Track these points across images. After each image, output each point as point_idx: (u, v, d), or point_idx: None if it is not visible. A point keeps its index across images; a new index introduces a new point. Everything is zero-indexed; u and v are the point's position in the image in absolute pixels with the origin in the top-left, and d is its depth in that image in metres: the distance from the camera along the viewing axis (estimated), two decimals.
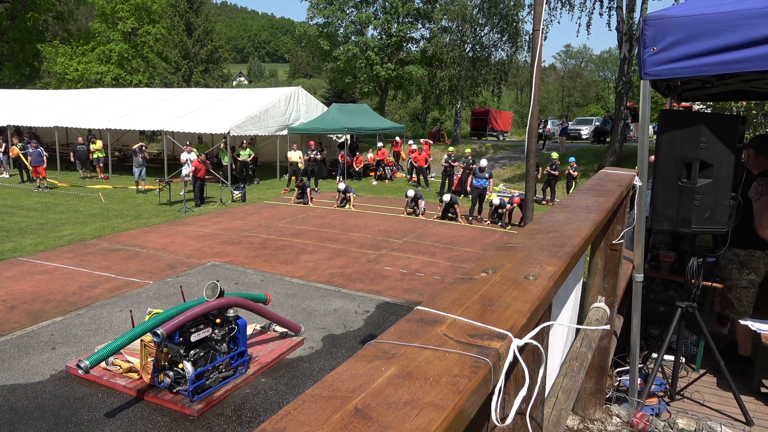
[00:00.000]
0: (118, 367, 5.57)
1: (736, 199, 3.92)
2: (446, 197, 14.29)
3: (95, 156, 20.04)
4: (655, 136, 4.31)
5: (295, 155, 18.81)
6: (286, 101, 21.06)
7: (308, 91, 24.90)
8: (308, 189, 16.18)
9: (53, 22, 41.50)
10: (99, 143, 20.14)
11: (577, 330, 2.37)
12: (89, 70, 37.32)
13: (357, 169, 21.89)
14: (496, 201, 13.80)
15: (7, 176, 20.52)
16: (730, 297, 4.33)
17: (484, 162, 15.10)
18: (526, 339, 0.86)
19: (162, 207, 15.17)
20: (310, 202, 15.97)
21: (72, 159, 20.52)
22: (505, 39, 29.18)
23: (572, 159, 17.61)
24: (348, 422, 0.59)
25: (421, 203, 14.74)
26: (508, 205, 13.75)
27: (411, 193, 14.69)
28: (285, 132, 20.91)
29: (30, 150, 17.37)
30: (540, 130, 27.75)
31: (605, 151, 22.40)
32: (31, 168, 17.53)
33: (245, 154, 19.28)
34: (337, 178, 21.22)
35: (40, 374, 5.60)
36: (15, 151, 19.32)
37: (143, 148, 17.82)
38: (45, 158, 17.42)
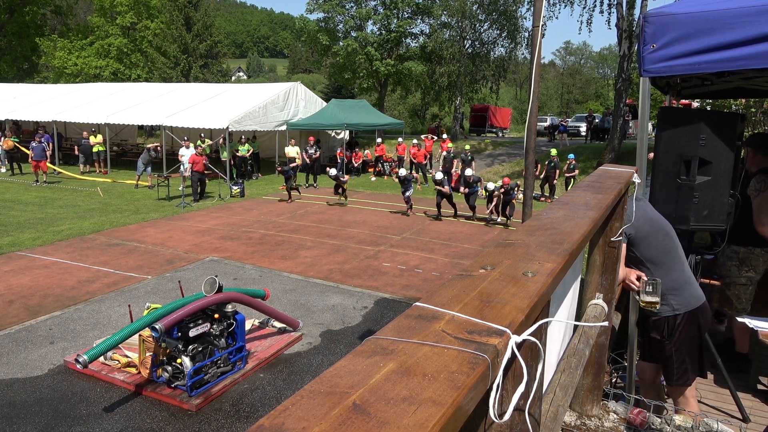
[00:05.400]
0: (117, 362, 5.57)
1: (735, 197, 3.93)
2: (438, 175, 13.81)
3: (95, 150, 19.98)
4: (654, 134, 4.31)
5: (292, 151, 18.78)
6: (285, 97, 21.02)
7: (307, 86, 24.85)
8: (291, 177, 15.41)
9: (52, 16, 41.28)
10: (99, 137, 20.09)
11: (575, 326, 2.37)
12: (88, 64, 37.16)
13: (356, 164, 21.88)
14: (491, 186, 13.26)
15: (4, 170, 20.46)
16: (729, 294, 4.34)
17: (469, 172, 14.27)
18: (525, 335, 0.86)
19: (160, 202, 15.15)
20: (291, 197, 15.68)
21: (75, 152, 20.46)
22: (504, 35, 29.14)
23: (571, 156, 17.61)
24: (346, 418, 0.59)
25: (408, 193, 13.91)
26: (496, 192, 13.23)
27: (402, 172, 14.17)
28: (284, 128, 20.88)
29: (34, 144, 17.29)
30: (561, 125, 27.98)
31: (604, 148, 22.40)
32: (32, 162, 17.45)
33: (244, 150, 19.25)
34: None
35: (38, 369, 5.61)
36: (9, 143, 19.20)
37: (158, 148, 17.77)
38: (48, 153, 17.36)
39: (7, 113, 22.42)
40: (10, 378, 5.40)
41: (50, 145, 19.19)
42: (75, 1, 41.57)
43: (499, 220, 13.44)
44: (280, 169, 15.68)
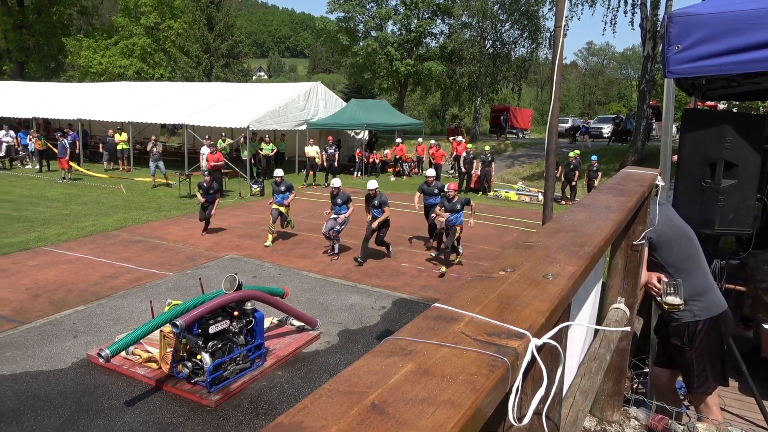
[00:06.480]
0: (138, 357, 5.66)
1: (762, 201, 3.85)
2: (430, 172, 10.95)
3: (120, 148, 20.36)
4: (678, 136, 4.24)
5: (312, 150, 18.87)
6: (305, 96, 21.14)
7: (327, 86, 24.95)
8: (215, 195, 11.24)
9: (78, 17, 42.10)
10: (124, 135, 20.46)
11: (596, 331, 2.34)
12: (112, 63, 37.81)
13: (377, 163, 21.96)
14: (431, 173, 10.89)
15: (29, 167, 21.00)
16: (766, 300, 4.24)
17: (431, 172, 11.08)
18: (545, 339, 0.85)
19: (182, 200, 15.34)
20: (206, 227, 11.36)
21: (100, 150, 20.84)
22: (525, 35, 28.91)
23: (594, 157, 17.38)
24: (365, 417, 0.59)
25: (340, 223, 9.69)
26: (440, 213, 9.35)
27: (336, 182, 10.05)
28: (304, 127, 21.00)
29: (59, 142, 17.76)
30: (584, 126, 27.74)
31: (627, 150, 22.10)
32: (58, 159, 17.91)
33: (268, 149, 19.39)
34: (355, 174, 21.26)
35: (62, 362, 5.72)
36: (39, 143, 19.71)
37: (156, 142, 17.98)
38: (68, 151, 17.73)
39: (34, 111, 22.92)
40: (35, 370, 5.52)
41: (77, 143, 19.61)
42: (100, 2, 42.30)
43: (445, 256, 9.32)
44: (207, 179, 11.28)
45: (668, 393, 3.41)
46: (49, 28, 38.14)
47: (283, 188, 10.53)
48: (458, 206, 9.13)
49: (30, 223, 11.74)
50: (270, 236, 10.66)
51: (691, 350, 3.07)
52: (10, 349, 5.96)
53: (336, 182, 9.98)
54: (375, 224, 9.28)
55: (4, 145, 20.46)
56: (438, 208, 9.45)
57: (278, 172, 10.85)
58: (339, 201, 9.71)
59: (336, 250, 9.91)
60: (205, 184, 11.05)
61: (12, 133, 21.11)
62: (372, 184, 9.54)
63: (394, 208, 15.01)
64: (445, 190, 9.43)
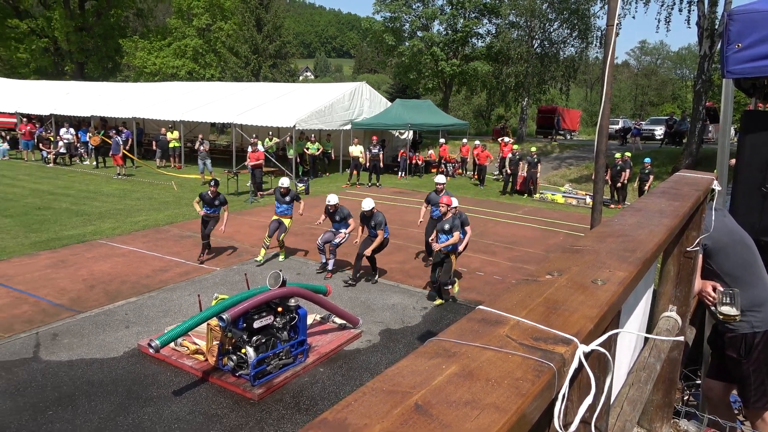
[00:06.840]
0: (186, 349, 5.84)
1: None
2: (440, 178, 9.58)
3: (171, 146, 21.05)
4: (736, 139, 4.06)
5: (356, 150, 18.98)
6: (350, 96, 21.30)
7: (372, 86, 25.04)
8: (221, 209, 9.41)
9: (134, 19, 43.89)
10: (176, 133, 21.14)
11: (646, 339, 2.27)
12: (166, 64, 39.15)
13: (420, 164, 21.92)
14: (441, 179, 9.41)
15: (87, 163, 22.00)
16: None
17: (441, 178, 9.55)
18: (593, 345, 0.84)
19: (229, 197, 15.68)
20: (222, 226, 9.34)
21: (153, 148, 21.64)
22: (575, 35, 28.25)
23: (647, 160, 16.83)
24: (408, 418, 0.59)
25: (340, 236, 8.78)
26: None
27: (333, 199, 8.74)
28: (349, 127, 21.16)
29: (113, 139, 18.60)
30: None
31: (681, 153, 21.31)
32: (112, 156, 18.73)
33: (314, 148, 19.63)
34: (399, 174, 21.27)
35: (114, 351, 5.96)
36: (96, 139, 20.62)
37: (203, 141, 18.50)
38: (121, 148, 18.45)
39: (92, 110, 23.96)
40: (90, 358, 5.78)
41: (129, 140, 20.42)
42: (155, 4, 43.89)
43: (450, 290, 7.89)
44: (212, 189, 9.27)
45: (722, 406, 3.27)
46: (107, 30, 39.85)
47: (288, 198, 9.48)
48: (446, 226, 7.68)
49: (87, 217, 12.27)
50: (263, 251, 9.42)
51: (748, 363, 2.93)
52: (67, 336, 6.26)
53: (332, 198, 8.69)
54: (368, 251, 8.27)
55: (65, 141, 21.48)
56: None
57: (284, 182, 9.60)
58: (337, 218, 8.80)
59: (330, 267, 8.85)
60: (209, 195, 9.23)
61: (72, 130, 22.13)
62: (367, 204, 8.31)
63: None
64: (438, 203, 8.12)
